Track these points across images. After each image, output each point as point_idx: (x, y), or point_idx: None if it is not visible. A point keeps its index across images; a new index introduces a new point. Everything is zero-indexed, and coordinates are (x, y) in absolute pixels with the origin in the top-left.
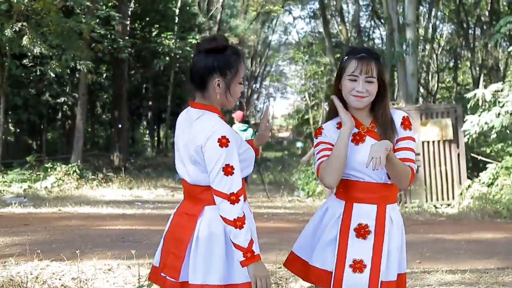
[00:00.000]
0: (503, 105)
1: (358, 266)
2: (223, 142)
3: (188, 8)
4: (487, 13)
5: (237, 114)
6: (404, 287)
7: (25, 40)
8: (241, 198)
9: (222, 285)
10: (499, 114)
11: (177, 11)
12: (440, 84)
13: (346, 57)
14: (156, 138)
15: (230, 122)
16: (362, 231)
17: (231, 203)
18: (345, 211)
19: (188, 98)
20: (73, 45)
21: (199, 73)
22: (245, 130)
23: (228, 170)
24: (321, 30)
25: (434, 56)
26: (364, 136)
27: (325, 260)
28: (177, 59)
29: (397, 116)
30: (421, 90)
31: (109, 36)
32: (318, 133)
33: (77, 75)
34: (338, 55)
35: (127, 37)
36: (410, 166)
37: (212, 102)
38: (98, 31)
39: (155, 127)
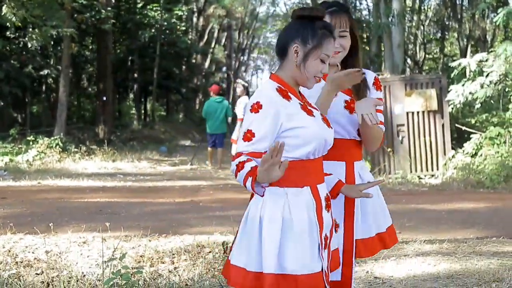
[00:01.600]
0: (487, 75)
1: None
2: (254, 107)
3: None
4: None
5: (213, 88)
6: (394, 237)
7: (4, 9)
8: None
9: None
10: (483, 84)
11: None
12: (427, 55)
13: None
14: (143, 111)
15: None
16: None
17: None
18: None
19: (174, 70)
20: (55, 15)
21: (282, 39)
22: (220, 102)
23: (247, 136)
24: (309, 1)
25: (422, 27)
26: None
27: None
28: (163, 31)
29: (369, 75)
30: (409, 61)
31: (92, 7)
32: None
33: (61, 47)
34: None
35: (110, 8)
36: (381, 128)
37: (287, 73)
38: (81, 1)
39: (142, 99)
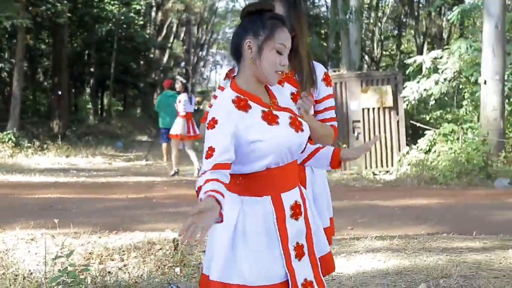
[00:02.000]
0: (442, 72)
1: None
2: (211, 124)
3: None
4: None
5: (166, 82)
6: (333, 229)
7: None
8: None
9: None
10: (438, 81)
11: None
12: (384, 52)
13: None
14: (99, 106)
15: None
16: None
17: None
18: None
19: (131, 64)
20: (8, 7)
21: (234, 40)
22: (172, 96)
23: (208, 153)
24: None
25: (379, 24)
26: (282, 82)
27: None
28: (120, 25)
29: (319, 69)
30: (366, 58)
31: (47, 0)
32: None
33: (16, 40)
34: None
35: (66, 1)
36: (333, 125)
37: (247, 76)
38: None
39: (99, 94)
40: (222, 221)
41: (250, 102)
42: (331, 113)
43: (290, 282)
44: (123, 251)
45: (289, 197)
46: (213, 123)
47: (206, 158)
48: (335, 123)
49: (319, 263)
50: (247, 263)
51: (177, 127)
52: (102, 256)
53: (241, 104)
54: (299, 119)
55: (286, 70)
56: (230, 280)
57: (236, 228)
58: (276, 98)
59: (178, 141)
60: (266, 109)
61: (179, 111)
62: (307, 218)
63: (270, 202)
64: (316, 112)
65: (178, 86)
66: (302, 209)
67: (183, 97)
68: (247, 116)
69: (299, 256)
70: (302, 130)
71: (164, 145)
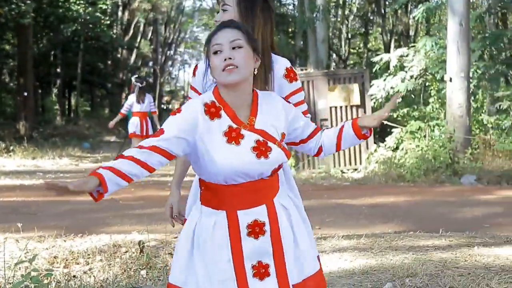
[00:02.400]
0: (408, 70)
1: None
2: (174, 111)
3: None
4: None
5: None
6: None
7: None
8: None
9: None
10: (404, 79)
11: None
12: (351, 50)
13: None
14: (66, 106)
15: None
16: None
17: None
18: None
19: (99, 64)
20: None
21: None
22: None
23: (157, 132)
24: None
25: (346, 22)
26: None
27: None
28: (86, 25)
29: (280, 65)
30: (333, 56)
31: (11, 0)
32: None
33: None
34: None
35: (30, 1)
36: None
37: (221, 86)
38: None
39: (66, 94)
40: (104, 192)
41: (222, 112)
42: (303, 107)
43: None
44: (89, 255)
45: (247, 215)
46: (177, 111)
47: (153, 136)
48: (309, 116)
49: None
50: (201, 272)
51: (131, 126)
52: (67, 260)
53: (211, 110)
54: (269, 144)
55: (235, 60)
56: (185, 286)
57: (193, 237)
58: (256, 116)
59: (137, 139)
60: (234, 126)
61: (122, 110)
62: (276, 238)
63: (225, 217)
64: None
65: (132, 86)
66: (267, 228)
67: (131, 97)
68: (212, 124)
69: (260, 275)
70: (267, 157)
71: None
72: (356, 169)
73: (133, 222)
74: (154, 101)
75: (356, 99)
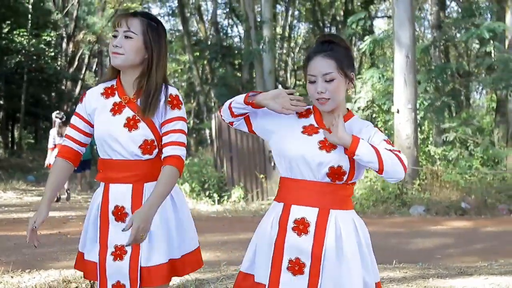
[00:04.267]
0: (355, 102)
1: (118, 253)
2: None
3: (42, 4)
4: (342, 13)
5: None
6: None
7: None
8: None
9: None
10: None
11: (30, 7)
12: (297, 82)
13: None
14: (10, 139)
15: None
16: (119, 214)
17: None
18: (104, 193)
19: (43, 96)
20: None
21: None
22: None
23: None
24: (180, 28)
25: (292, 54)
26: (124, 107)
27: (91, 250)
28: (30, 57)
29: (166, 92)
30: (280, 87)
31: None
32: (80, 100)
33: None
34: (197, 53)
35: None
36: (177, 155)
37: None
38: None
39: (9, 127)
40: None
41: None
42: (177, 137)
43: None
44: None
45: (299, 211)
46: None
47: None
48: (176, 148)
49: None
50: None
51: (51, 158)
52: None
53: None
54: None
55: (326, 94)
56: (244, 269)
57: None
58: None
59: None
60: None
61: (49, 145)
62: (319, 243)
63: (281, 209)
64: (162, 135)
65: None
66: (311, 230)
67: (52, 131)
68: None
69: (294, 271)
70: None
71: (78, 174)
72: None
73: None
74: None
75: None
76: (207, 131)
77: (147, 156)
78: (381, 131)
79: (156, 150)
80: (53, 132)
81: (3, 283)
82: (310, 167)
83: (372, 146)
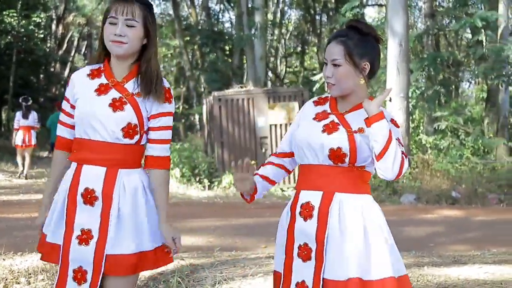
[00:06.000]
0: None
1: (84, 237)
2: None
3: None
4: (333, 0)
5: (58, 103)
6: (141, 261)
7: None
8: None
9: None
10: None
11: None
12: (288, 69)
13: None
14: None
15: None
16: (88, 197)
17: None
18: (75, 174)
19: (31, 78)
20: None
21: None
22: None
23: None
24: (171, 12)
25: (283, 41)
26: (110, 89)
27: (56, 232)
28: (20, 38)
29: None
30: (270, 74)
31: None
32: (68, 83)
33: None
34: (188, 38)
35: None
36: (163, 156)
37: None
38: None
39: None
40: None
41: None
42: (167, 134)
43: (282, 276)
44: (30, 274)
45: (306, 196)
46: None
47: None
48: (166, 148)
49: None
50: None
51: (17, 139)
52: (7, 280)
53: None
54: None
55: (332, 78)
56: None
57: None
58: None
59: (20, 149)
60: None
61: (14, 125)
62: (322, 226)
63: (293, 196)
64: (151, 129)
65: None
66: (315, 214)
67: (18, 114)
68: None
69: (303, 257)
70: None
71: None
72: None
73: None
74: None
75: None
76: (197, 117)
77: (127, 140)
78: (397, 126)
79: (138, 136)
80: (18, 114)
81: None
82: (314, 151)
83: (390, 131)
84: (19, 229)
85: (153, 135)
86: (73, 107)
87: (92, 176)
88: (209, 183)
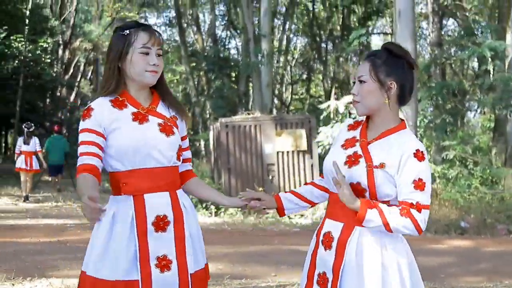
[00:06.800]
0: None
1: (163, 264)
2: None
3: (39, 10)
4: (338, 28)
5: (55, 127)
6: (208, 273)
7: None
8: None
9: None
10: None
11: (27, 12)
12: (293, 96)
13: (127, 31)
14: (3, 144)
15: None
16: (161, 224)
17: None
18: (137, 206)
19: (38, 103)
20: None
21: None
22: (59, 139)
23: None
24: (177, 38)
25: (288, 68)
26: (146, 116)
27: (115, 269)
28: (27, 62)
29: None
30: (275, 101)
31: None
32: (87, 115)
33: None
34: (194, 64)
35: None
36: (190, 169)
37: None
38: None
39: (3, 132)
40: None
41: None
42: (189, 154)
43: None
44: None
45: (328, 225)
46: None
47: None
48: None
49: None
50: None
51: (19, 163)
52: None
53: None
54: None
55: (357, 97)
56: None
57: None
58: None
59: (24, 173)
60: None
61: (16, 150)
62: (339, 257)
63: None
64: (184, 149)
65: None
66: (334, 244)
67: (19, 140)
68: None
69: (321, 286)
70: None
71: (52, 178)
72: (302, 215)
73: None
74: None
75: (303, 145)
76: (202, 143)
77: (178, 163)
78: (421, 158)
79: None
80: (20, 140)
81: None
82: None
83: (381, 210)
84: (28, 254)
85: (186, 154)
86: (102, 136)
87: (160, 203)
88: (216, 210)
